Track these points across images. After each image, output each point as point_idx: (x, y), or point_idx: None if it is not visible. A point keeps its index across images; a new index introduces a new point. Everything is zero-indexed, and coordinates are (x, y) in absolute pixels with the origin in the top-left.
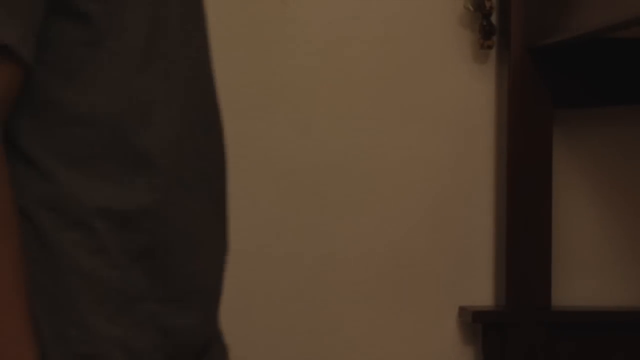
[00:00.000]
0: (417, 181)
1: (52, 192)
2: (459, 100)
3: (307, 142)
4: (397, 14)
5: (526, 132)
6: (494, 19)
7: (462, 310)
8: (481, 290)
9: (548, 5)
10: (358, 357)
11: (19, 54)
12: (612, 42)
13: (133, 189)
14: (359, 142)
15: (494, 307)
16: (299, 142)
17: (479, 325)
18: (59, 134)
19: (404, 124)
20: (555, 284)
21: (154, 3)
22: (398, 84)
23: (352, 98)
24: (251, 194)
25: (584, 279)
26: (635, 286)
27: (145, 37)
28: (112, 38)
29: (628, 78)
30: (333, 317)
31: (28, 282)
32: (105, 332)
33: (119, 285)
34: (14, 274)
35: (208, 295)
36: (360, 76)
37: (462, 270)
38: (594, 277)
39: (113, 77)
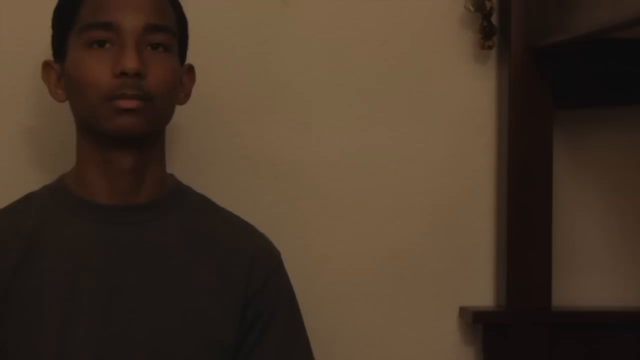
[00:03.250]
0: (417, 181)
1: None
2: (460, 100)
3: (307, 142)
4: (397, 14)
5: (527, 132)
6: (494, 19)
7: (463, 310)
8: (482, 291)
9: (548, 5)
10: (358, 357)
11: None
12: (612, 42)
13: None
14: (358, 142)
15: (494, 308)
16: (299, 142)
17: (479, 325)
18: None
19: (404, 124)
20: (555, 284)
21: None
22: (398, 84)
23: (352, 98)
24: (251, 194)
25: (584, 279)
26: (635, 286)
27: None
28: None
29: (628, 78)
30: (333, 317)
31: None
32: None
33: None
34: None
35: None
36: (360, 76)
37: (463, 271)
38: (594, 277)
39: None
